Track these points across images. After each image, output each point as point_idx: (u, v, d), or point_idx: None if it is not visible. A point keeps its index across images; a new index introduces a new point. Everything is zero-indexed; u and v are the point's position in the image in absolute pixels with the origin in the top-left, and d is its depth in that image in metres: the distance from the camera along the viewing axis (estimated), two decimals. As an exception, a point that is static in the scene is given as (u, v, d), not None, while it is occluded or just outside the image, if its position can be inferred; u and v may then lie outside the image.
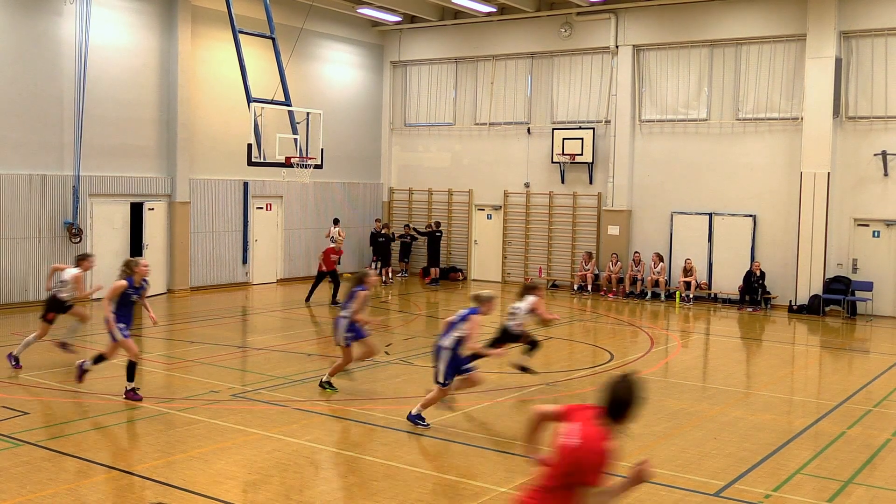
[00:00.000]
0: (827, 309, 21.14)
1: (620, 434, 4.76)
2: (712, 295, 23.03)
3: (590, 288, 24.04)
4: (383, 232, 26.34)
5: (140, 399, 11.14)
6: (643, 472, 4.73)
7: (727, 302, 22.60)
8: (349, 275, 21.63)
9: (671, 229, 23.69)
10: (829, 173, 21.22)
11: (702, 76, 23.35)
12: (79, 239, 19.95)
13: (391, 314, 21.12)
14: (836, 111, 21.19)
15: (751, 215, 22.60)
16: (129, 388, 11.21)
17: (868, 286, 20.92)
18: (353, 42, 27.30)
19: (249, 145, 19.33)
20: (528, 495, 4.87)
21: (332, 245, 22.17)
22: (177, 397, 11.49)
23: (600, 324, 19.84)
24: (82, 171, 20.01)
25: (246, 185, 23.88)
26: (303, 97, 23.35)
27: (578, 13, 24.55)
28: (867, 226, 21.23)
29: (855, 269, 21.21)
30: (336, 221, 25.21)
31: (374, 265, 26.63)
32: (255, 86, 20.11)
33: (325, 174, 23.84)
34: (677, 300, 22.67)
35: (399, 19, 26.62)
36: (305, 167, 20.43)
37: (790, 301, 21.59)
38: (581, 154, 24.59)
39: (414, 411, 10.38)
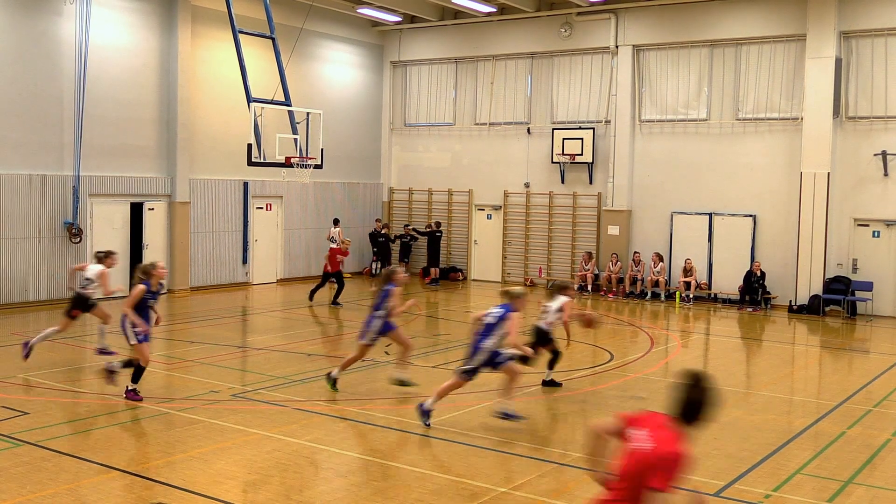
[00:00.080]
0: (827, 309, 21.14)
1: (693, 438, 4.58)
2: (712, 295, 23.03)
3: (590, 288, 24.04)
4: (383, 232, 26.33)
5: (140, 399, 11.14)
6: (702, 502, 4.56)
7: (727, 302, 22.60)
8: (349, 275, 21.60)
9: (671, 229, 23.69)
10: (829, 173, 21.22)
11: (702, 76, 23.35)
12: (79, 239, 19.96)
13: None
14: (836, 111, 21.19)
15: (751, 215, 22.61)
16: (130, 387, 11.21)
17: (868, 286, 20.92)
18: (353, 42, 27.30)
19: (249, 145, 19.35)
20: None
21: (336, 245, 22.17)
22: (177, 397, 11.49)
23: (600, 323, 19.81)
24: (82, 171, 20.02)
25: (246, 185, 23.88)
26: (303, 97, 23.36)
27: (578, 13, 24.55)
28: (867, 226, 21.23)
29: (855, 270, 21.21)
30: (336, 222, 25.23)
31: (373, 265, 26.65)
32: (255, 86, 20.12)
33: (325, 174, 23.85)
34: (677, 300, 22.67)
35: (399, 19, 26.62)
36: (305, 167, 20.44)
37: (790, 301, 21.59)
38: (581, 154, 24.59)
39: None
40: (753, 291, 21.88)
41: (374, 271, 26.59)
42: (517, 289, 10.70)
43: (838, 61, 21.13)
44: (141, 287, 11.05)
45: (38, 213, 19.43)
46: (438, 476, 8.69)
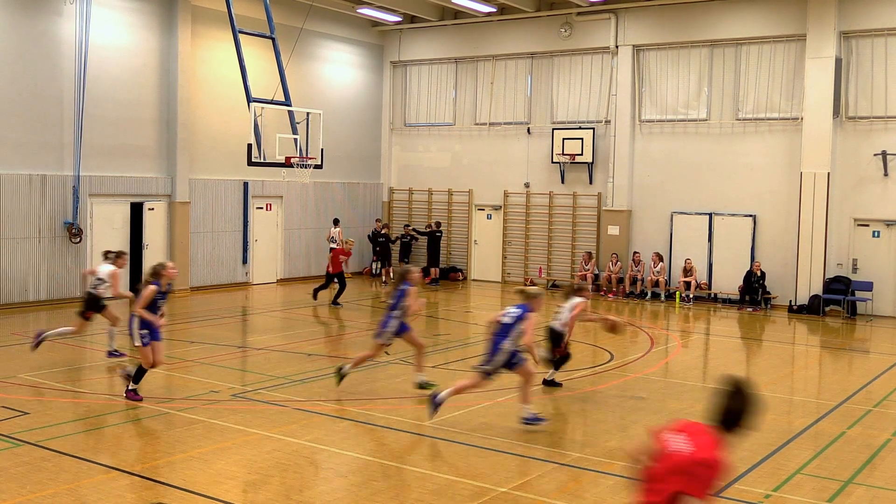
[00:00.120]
0: (827, 309, 21.14)
1: (733, 445, 4.47)
2: (712, 295, 23.03)
3: (590, 288, 24.00)
4: (383, 232, 26.34)
5: (140, 399, 11.14)
6: None
7: (727, 302, 22.60)
8: (349, 275, 21.60)
9: (671, 229, 23.70)
10: (829, 173, 21.23)
11: (702, 76, 23.35)
12: (79, 239, 19.96)
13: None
14: (836, 111, 21.19)
15: (751, 215, 22.61)
16: (130, 387, 11.22)
17: (868, 286, 20.92)
18: (353, 42, 27.30)
19: (249, 145, 19.35)
20: None
21: (336, 245, 22.16)
22: (177, 397, 11.49)
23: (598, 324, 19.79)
24: (82, 171, 20.02)
25: (246, 185, 23.88)
26: (303, 97, 23.36)
27: (578, 13, 24.55)
28: (867, 226, 21.24)
29: (855, 269, 21.21)
30: (336, 222, 25.22)
31: (373, 265, 26.65)
32: (255, 86, 20.12)
33: (325, 174, 23.85)
34: (677, 300, 22.67)
35: (399, 19, 26.62)
36: (305, 167, 20.44)
37: (790, 301, 21.59)
38: (581, 154, 24.60)
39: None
40: (753, 291, 21.88)
41: (373, 271, 26.60)
42: (534, 288, 10.61)
43: (838, 61, 21.13)
44: (152, 287, 11.03)
45: (38, 213, 19.43)
46: (438, 476, 8.69)
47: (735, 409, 4.44)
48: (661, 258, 23.24)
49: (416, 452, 9.62)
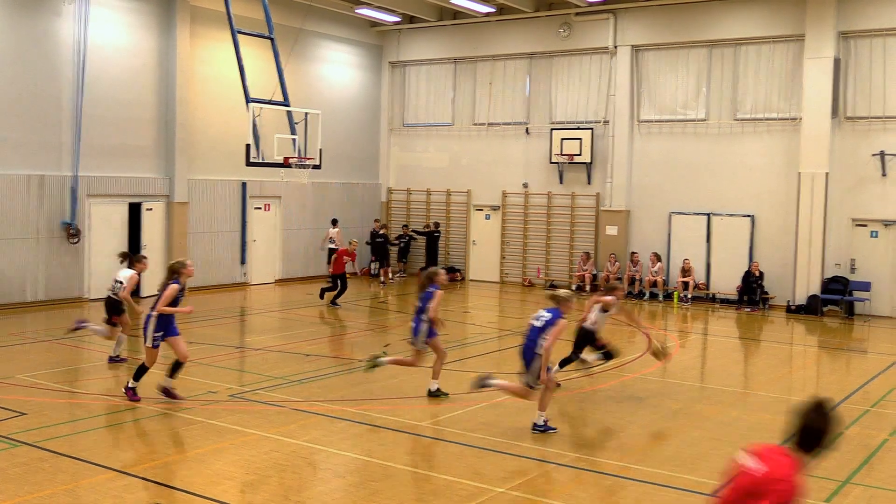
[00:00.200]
0: (825, 309, 21.15)
1: (812, 467, 4.32)
2: (710, 295, 23.04)
3: (588, 288, 24.03)
4: (381, 232, 26.34)
5: (138, 399, 11.14)
6: None
7: (725, 302, 22.61)
8: (350, 275, 21.59)
9: (670, 230, 23.71)
10: (827, 173, 21.24)
11: (700, 76, 23.36)
12: (77, 240, 19.95)
13: (389, 314, 21.13)
14: (835, 111, 21.20)
15: (749, 215, 22.62)
16: (130, 385, 11.21)
17: (866, 286, 20.94)
18: (352, 42, 27.31)
19: (248, 145, 19.36)
20: None
21: (334, 246, 22.14)
22: (175, 398, 11.46)
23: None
24: (80, 171, 20.01)
25: (244, 185, 23.88)
26: (301, 97, 23.36)
27: (577, 13, 24.56)
28: (865, 226, 21.25)
29: (853, 270, 21.23)
30: (335, 222, 25.21)
31: (371, 265, 26.65)
32: (253, 86, 20.13)
33: (324, 174, 23.84)
34: (675, 300, 22.68)
35: (398, 19, 26.62)
36: (304, 167, 20.45)
37: (788, 301, 21.60)
38: (579, 154, 24.61)
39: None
40: (752, 292, 21.89)
41: (372, 272, 26.59)
42: (564, 291, 10.46)
43: (837, 61, 21.14)
44: (174, 286, 11.01)
45: (37, 214, 19.42)
46: (436, 476, 8.69)
47: (814, 429, 4.31)
48: (658, 258, 23.25)
49: (414, 453, 9.62)
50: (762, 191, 22.43)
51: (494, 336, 18.06)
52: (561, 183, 25.41)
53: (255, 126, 19.43)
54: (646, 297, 23.23)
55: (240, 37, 19.89)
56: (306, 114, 21.07)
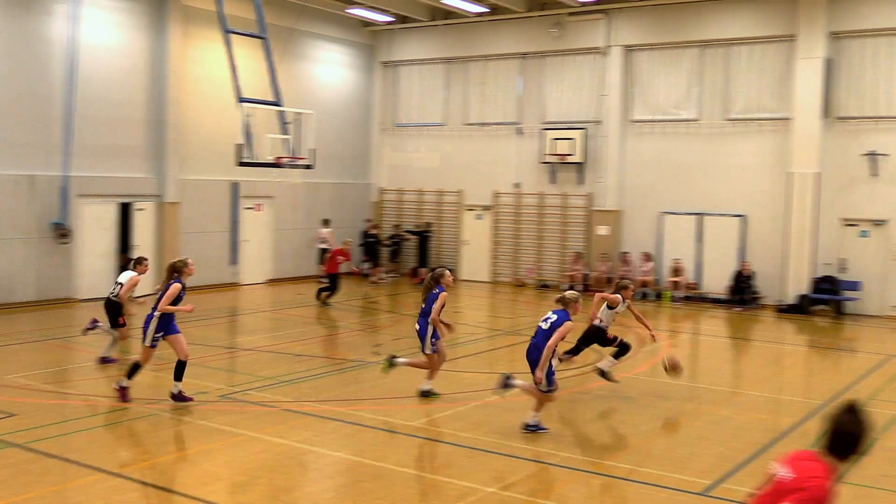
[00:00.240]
0: (815, 308, 21.21)
1: (844, 473, 4.21)
2: (701, 295, 23.09)
3: (579, 288, 24.04)
4: (373, 232, 26.32)
5: (129, 400, 11.11)
6: None
7: (716, 302, 22.66)
8: (345, 275, 21.56)
9: (661, 229, 23.75)
10: (818, 173, 21.32)
11: (692, 77, 23.40)
12: (67, 240, 19.88)
13: (381, 314, 21.13)
14: (826, 111, 21.28)
15: (740, 215, 22.68)
16: (124, 384, 11.18)
17: (856, 286, 21.02)
18: (344, 42, 27.29)
19: (238, 145, 19.33)
20: None
21: (327, 246, 22.12)
22: (165, 398, 11.44)
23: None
24: (71, 171, 19.94)
25: (236, 185, 23.83)
26: (293, 97, 23.34)
27: (570, 13, 24.57)
28: (856, 226, 21.32)
29: (843, 269, 21.30)
30: (326, 222, 25.17)
31: (364, 265, 26.62)
32: (246, 86, 20.11)
33: (316, 174, 23.81)
34: (665, 299, 22.72)
35: (390, 19, 26.60)
36: (295, 167, 20.43)
37: (779, 301, 21.67)
38: (571, 154, 24.63)
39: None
40: (742, 291, 21.95)
41: (363, 272, 26.56)
42: (571, 293, 10.42)
43: (828, 62, 21.22)
44: (177, 285, 11.00)
45: (27, 214, 19.35)
46: (426, 476, 8.70)
47: (847, 434, 4.20)
48: (649, 258, 23.30)
49: (404, 453, 9.62)
50: (753, 191, 22.49)
51: (485, 336, 18.08)
52: (553, 183, 25.44)
53: (246, 126, 19.41)
54: (637, 297, 23.25)
55: (232, 37, 19.85)
56: (298, 113, 21.05)
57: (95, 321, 13.53)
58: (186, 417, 10.57)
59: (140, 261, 13.87)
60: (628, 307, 12.51)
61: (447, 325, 11.72)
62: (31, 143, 19.44)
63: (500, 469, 8.99)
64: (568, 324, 10.02)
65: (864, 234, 21.19)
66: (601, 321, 12.32)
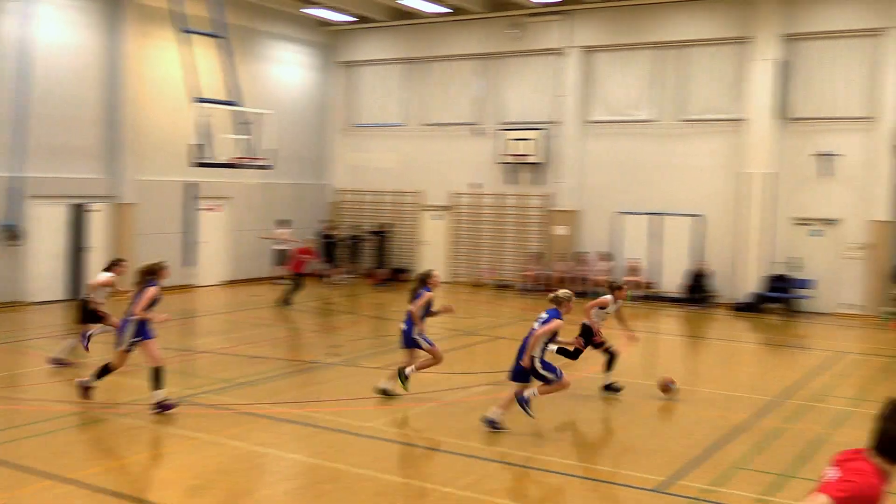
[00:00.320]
0: (770, 306, 21.55)
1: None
2: (658, 294, 23.34)
3: (535, 288, 24.16)
4: (331, 233, 26.22)
5: (89, 398, 10.95)
6: None
7: (673, 300, 22.92)
8: (308, 275, 21.44)
9: (619, 229, 23.97)
10: (772, 173, 21.69)
11: (649, 78, 23.63)
12: (18, 242, 19.52)
13: (338, 315, 21.06)
14: (780, 112, 21.65)
15: (697, 215, 22.97)
16: (89, 384, 11.04)
17: (810, 284, 21.40)
18: (302, 42, 27.15)
19: (196, 145, 19.14)
20: None
21: (287, 248, 22.01)
22: (120, 402, 11.30)
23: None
24: (23, 171, 19.58)
25: (193, 186, 23.56)
26: (251, 97, 23.11)
27: (530, 14, 24.70)
28: (809, 225, 21.72)
29: (796, 268, 21.67)
30: (284, 223, 24.99)
31: (321, 266, 26.50)
32: (203, 86, 19.89)
33: (274, 175, 23.64)
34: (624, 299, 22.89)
35: (349, 19, 26.51)
36: (254, 168, 20.29)
37: (734, 299, 21.99)
38: (530, 155, 24.75)
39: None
40: (698, 290, 22.25)
41: (321, 273, 26.43)
42: (564, 292, 10.47)
43: (782, 63, 21.58)
44: (154, 289, 10.79)
45: (-23, 216, 18.97)
46: (384, 477, 8.70)
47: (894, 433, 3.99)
48: (605, 257, 23.51)
49: (361, 454, 9.59)
50: (710, 191, 22.80)
51: (444, 336, 18.09)
52: (512, 183, 25.54)
53: (203, 126, 19.23)
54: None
55: (190, 36, 19.64)
56: (256, 114, 20.91)
57: (84, 335, 13.28)
58: (141, 422, 10.45)
59: (117, 262, 13.69)
60: (618, 308, 12.61)
61: (447, 309, 11.96)
62: (-19, 144, 19.07)
63: (458, 469, 9.02)
64: (557, 321, 10.10)
65: (816, 233, 21.59)
66: (593, 322, 12.38)
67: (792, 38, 21.69)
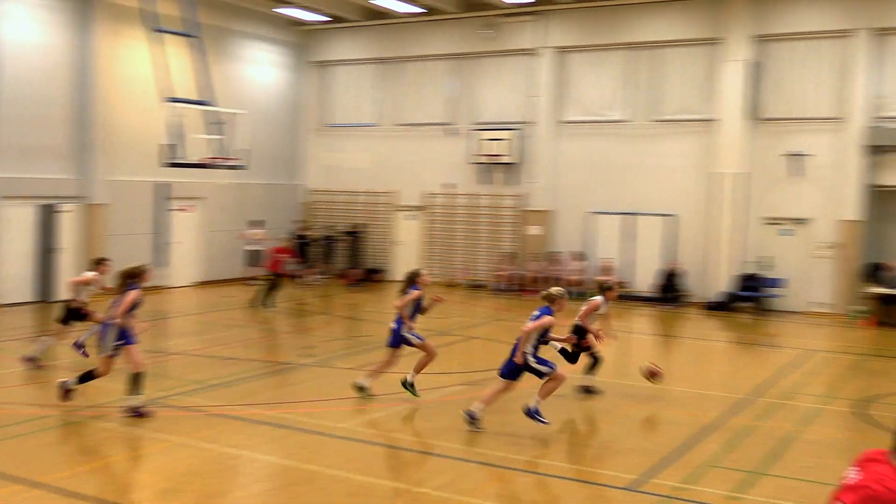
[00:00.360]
0: (741, 305, 21.75)
1: None
2: (631, 293, 23.45)
3: (509, 287, 24.22)
4: (304, 234, 26.13)
5: (69, 400, 10.85)
6: None
7: (645, 300, 23.06)
8: (287, 274, 21.34)
9: (592, 229, 24.09)
10: (743, 173, 21.90)
11: (622, 78, 23.77)
12: (-13, 243, 19.28)
13: (312, 316, 20.99)
14: (751, 113, 21.86)
15: (670, 215, 23.13)
16: (70, 386, 10.90)
17: (781, 283, 21.62)
18: (275, 41, 27.02)
19: (168, 145, 18.99)
20: None
21: (261, 248, 21.91)
22: (90, 405, 11.18)
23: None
24: (-9, 172, 19.35)
25: (165, 186, 23.37)
26: (223, 97, 22.93)
27: (504, 14, 24.75)
28: (780, 224, 21.95)
29: (767, 267, 21.89)
30: (256, 223, 24.85)
31: (295, 267, 26.40)
32: (176, 86, 19.73)
33: (247, 175, 23.53)
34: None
35: (322, 19, 26.42)
36: (226, 168, 20.18)
37: (706, 298, 22.17)
38: (504, 155, 24.80)
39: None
40: (671, 289, 22.41)
41: (294, 274, 26.34)
42: (557, 289, 10.48)
43: (753, 64, 21.79)
44: (137, 292, 10.64)
45: (-56, 217, 18.70)
46: (357, 478, 8.68)
47: None
48: (578, 257, 23.61)
49: (335, 456, 9.56)
50: (682, 191, 22.97)
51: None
52: (486, 183, 25.58)
53: (174, 126, 19.08)
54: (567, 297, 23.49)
55: (162, 35, 19.49)
56: (229, 114, 20.79)
57: (77, 344, 13.10)
58: (112, 424, 10.35)
59: (101, 261, 13.56)
60: (608, 310, 12.65)
61: (436, 300, 11.87)
62: (-52, 144, 18.80)
63: (432, 469, 9.02)
64: (548, 317, 10.11)
65: (786, 232, 21.82)
66: (586, 322, 12.41)
67: (763, 39, 21.92)
